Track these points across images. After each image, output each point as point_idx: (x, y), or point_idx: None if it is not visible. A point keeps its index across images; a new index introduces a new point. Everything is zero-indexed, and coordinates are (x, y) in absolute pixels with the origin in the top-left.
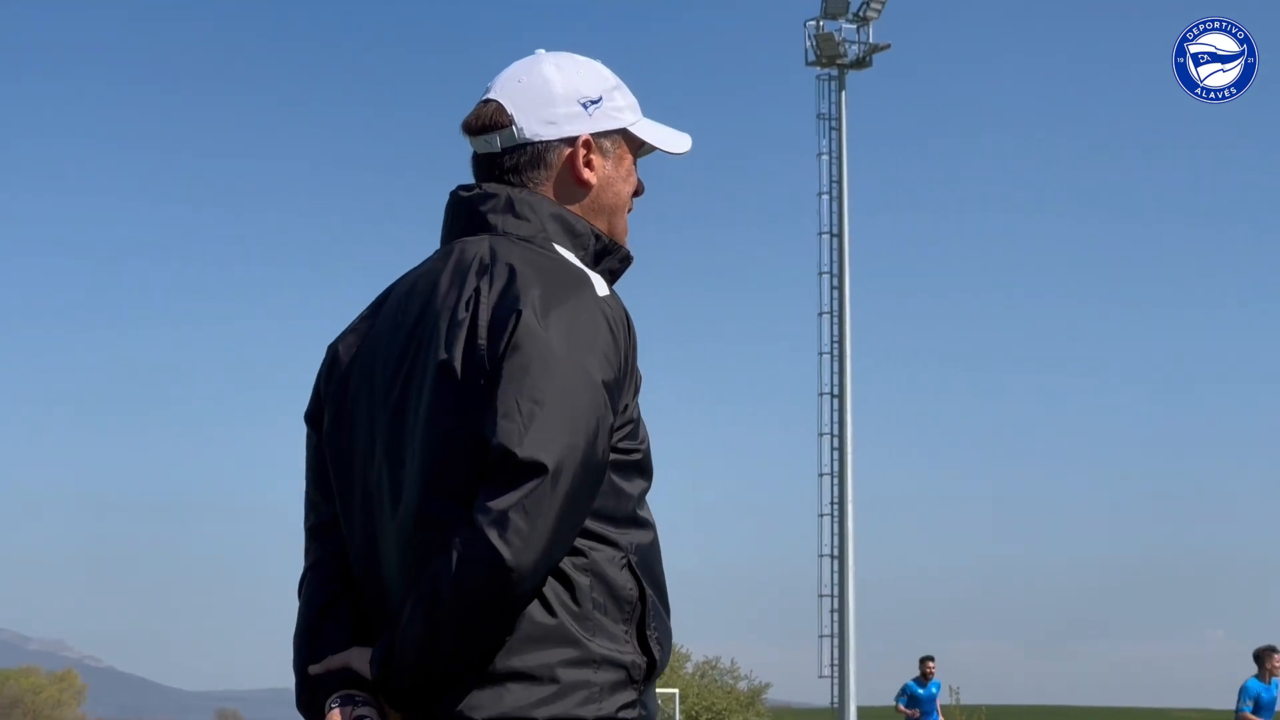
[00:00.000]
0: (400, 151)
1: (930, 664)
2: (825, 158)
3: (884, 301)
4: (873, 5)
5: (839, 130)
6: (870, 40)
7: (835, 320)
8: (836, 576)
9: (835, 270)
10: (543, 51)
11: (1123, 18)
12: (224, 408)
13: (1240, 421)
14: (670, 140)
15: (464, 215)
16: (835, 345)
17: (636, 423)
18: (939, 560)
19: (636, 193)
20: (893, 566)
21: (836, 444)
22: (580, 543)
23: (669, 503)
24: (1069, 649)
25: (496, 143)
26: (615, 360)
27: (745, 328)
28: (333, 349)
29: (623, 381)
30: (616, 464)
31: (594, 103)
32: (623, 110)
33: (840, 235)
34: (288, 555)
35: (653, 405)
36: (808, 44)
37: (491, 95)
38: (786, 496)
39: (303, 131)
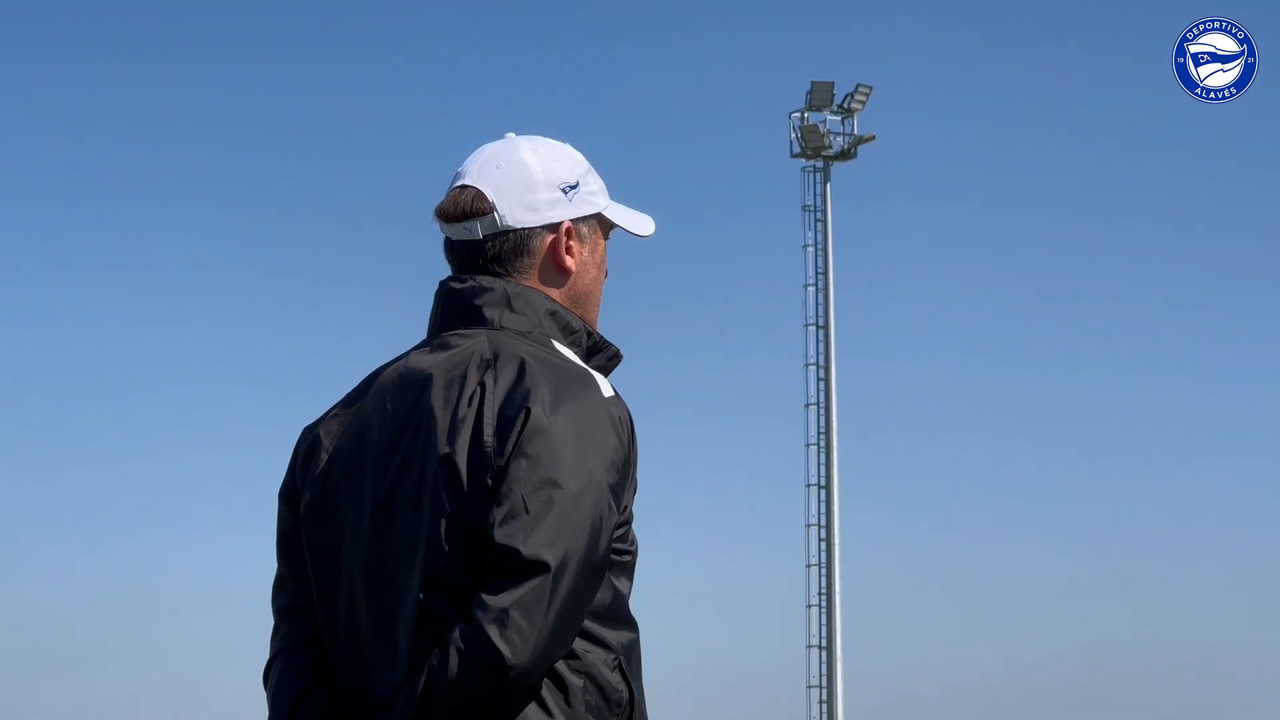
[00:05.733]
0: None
1: None
2: (810, 249)
3: (872, 391)
4: (857, 97)
5: (824, 222)
6: (855, 132)
7: (822, 411)
8: (825, 668)
9: (821, 362)
10: (513, 135)
11: (1123, 18)
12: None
13: (1240, 507)
14: (638, 223)
15: (457, 308)
16: (822, 436)
17: (630, 525)
18: (931, 649)
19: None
20: (883, 657)
21: (824, 535)
22: (575, 643)
23: (654, 593)
24: None
25: (477, 230)
26: (619, 462)
27: (730, 419)
28: (312, 432)
29: (625, 484)
30: (611, 564)
31: (572, 188)
32: (596, 194)
33: (826, 327)
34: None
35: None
36: (792, 135)
37: (468, 181)
38: (773, 587)
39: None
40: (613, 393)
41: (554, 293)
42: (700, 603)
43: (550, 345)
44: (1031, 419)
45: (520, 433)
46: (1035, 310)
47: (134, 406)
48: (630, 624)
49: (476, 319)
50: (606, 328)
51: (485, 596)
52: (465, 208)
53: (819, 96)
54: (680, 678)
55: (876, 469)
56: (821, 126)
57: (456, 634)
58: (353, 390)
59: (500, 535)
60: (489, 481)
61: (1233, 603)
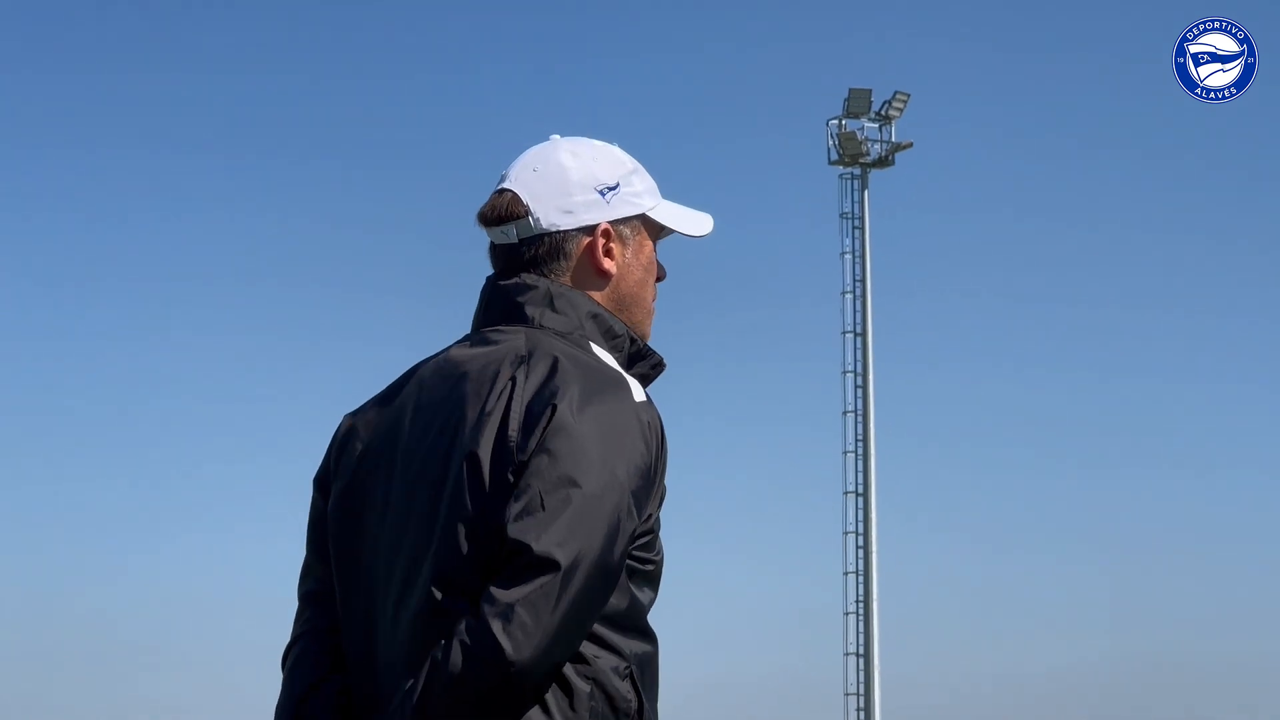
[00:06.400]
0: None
1: None
2: (849, 256)
3: (909, 399)
4: (895, 104)
5: (862, 229)
6: (893, 139)
7: (860, 419)
8: (862, 675)
9: (859, 369)
10: (557, 137)
11: (1123, 18)
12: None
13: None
14: (691, 223)
15: (499, 304)
16: (860, 444)
17: (655, 534)
18: (968, 657)
19: (659, 278)
20: (920, 664)
21: (861, 542)
22: (585, 647)
23: (693, 600)
24: None
25: (513, 233)
26: (644, 468)
27: (768, 426)
28: (350, 420)
29: (649, 490)
30: (631, 571)
31: (611, 189)
32: (641, 195)
33: (864, 334)
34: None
35: (673, 500)
36: (830, 143)
37: (506, 185)
38: (810, 595)
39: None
40: (645, 398)
41: (596, 296)
42: (738, 610)
43: (588, 348)
44: (1069, 427)
45: (544, 429)
46: (1073, 318)
47: (180, 414)
48: (647, 635)
49: (517, 316)
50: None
51: (493, 590)
52: (502, 211)
53: (856, 104)
54: (718, 684)
55: (914, 476)
56: (859, 134)
57: (462, 627)
58: (394, 382)
59: (513, 530)
60: (510, 477)
61: (1271, 611)
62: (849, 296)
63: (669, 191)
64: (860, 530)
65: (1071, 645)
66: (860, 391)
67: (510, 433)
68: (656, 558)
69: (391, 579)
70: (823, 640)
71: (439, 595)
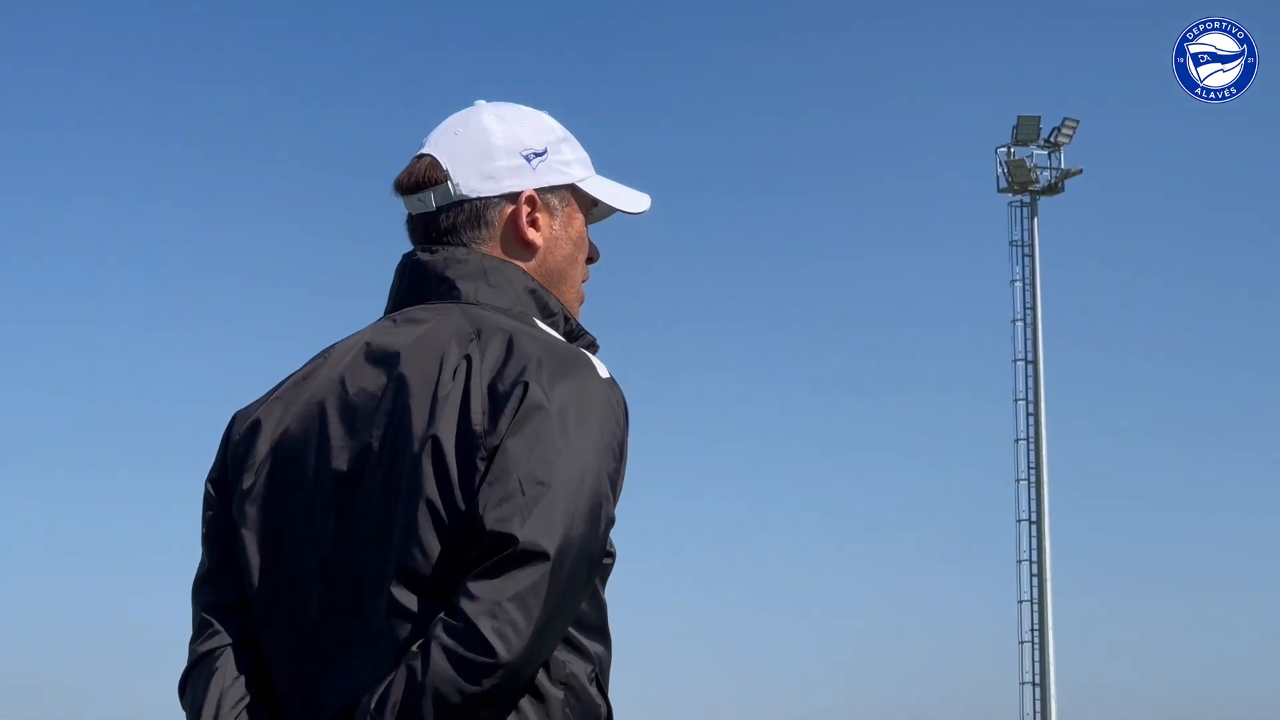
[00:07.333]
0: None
1: None
2: (1019, 284)
3: (1081, 427)
4: (1064, 131)
5: (1032, 256)
6: (1062, 166)
7: (1032, 447)
8: (1039, 704)
9: (1031, 397)
10: (483, 102)
11: (1122, 18)
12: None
13: None
14: (626, 199)
15: (426, 281)
16: (1032, 471)
17: (613, 522)
18: (1145, 686)
19: (590, 259)
20: (1096, 693)
21: (1035, 570)
22: (557, 651)
23: (866, 627)
24: None
25: (431, 200)
26: (616, 448)
27: (940, 454)
28: (250, 415)
29: (620, 471)
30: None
31: (538, 155)
32: (571, 165)
33: (1036, 362)
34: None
35: (838, 527)
36: (999, 170)
37: (425, 150)
38: (986, 623)
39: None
40: (608, 375)
41: (522, 269)
42: (913, 636)
43: (533, 323)
44: (1241, 453)
45: (516, 411)
46: (1244, 345)
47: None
48: (608, 637)
49: (448, 293)
50: (819, 358)
51: (475, 587)
52: (419, 177)
53: (1025, 131)
54: (894, 711)
55: (1087, 505)
56: (1028, 161)
57: (439, 629)
58: (297, 371)
59: (492, 521)
60: (479, 464)
61: None
62: (1019, 324)
63: (841, 219)
64: (1034, 559)
65: (1250, 675)
66: (1032, 419)
67: (474, 416)
68: (613, 550)
69: (338, 581)
70: (999, 669)
71: (404, 594)
